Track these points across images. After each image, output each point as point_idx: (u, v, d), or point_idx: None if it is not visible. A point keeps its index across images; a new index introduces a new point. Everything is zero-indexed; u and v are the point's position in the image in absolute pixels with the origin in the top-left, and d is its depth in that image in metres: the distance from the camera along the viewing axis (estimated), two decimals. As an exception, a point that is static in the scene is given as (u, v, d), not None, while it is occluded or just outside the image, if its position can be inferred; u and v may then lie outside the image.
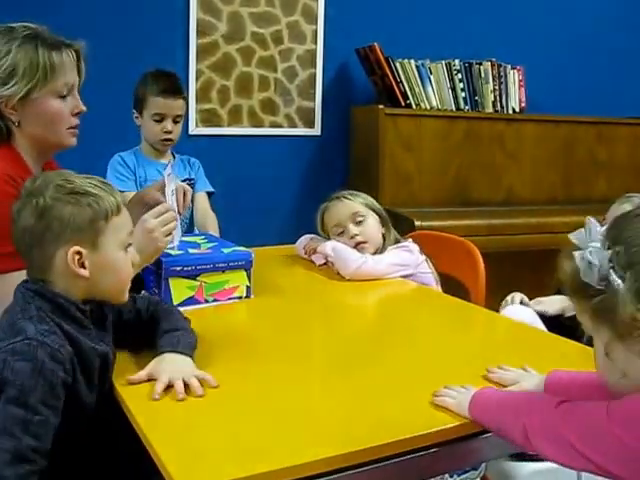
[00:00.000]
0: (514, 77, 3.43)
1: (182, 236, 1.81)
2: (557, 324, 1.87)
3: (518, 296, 2.03)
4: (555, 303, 1.98)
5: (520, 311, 1.90)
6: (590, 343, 1.40)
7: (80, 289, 1.16)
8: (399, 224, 2.37)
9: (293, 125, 3.35)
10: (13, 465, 0.98)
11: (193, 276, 1.63)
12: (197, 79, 3.13)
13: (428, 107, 3.25)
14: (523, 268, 3.09)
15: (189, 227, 2.35)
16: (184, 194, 1.78)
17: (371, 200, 2.15)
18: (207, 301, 1.65)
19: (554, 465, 0.96)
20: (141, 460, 1.02)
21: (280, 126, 3.32)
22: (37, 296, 1.14)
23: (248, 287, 1.71)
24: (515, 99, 3.44)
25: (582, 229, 0.92)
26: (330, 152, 3.41)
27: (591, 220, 0.92)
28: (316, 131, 3.39)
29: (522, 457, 1.68)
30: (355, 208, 2.09)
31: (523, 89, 3.47)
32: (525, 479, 1.69)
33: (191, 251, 1.70)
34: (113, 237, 1.17)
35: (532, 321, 1.87)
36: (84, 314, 1.16)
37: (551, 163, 3.47)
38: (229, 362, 1.30)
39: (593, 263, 0.88)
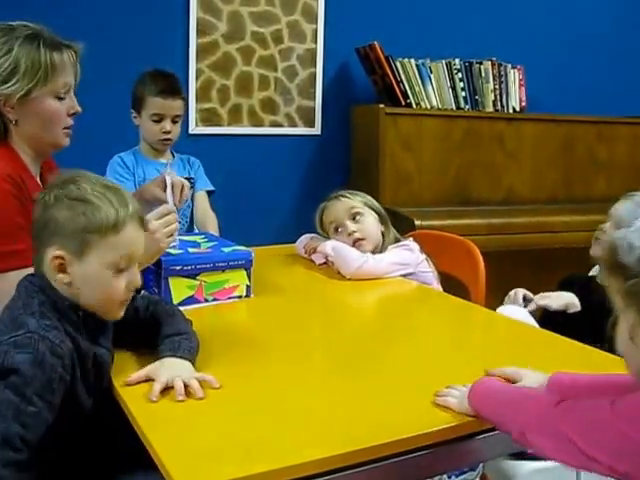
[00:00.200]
0: (514, 76, 3.43)
1: (182, 235, 1.81)
2: (552, 321, 1.87)
3: (521, 292, 2.03)
4: (560, 299, 1.98)
5: (515, 312, 1.89)
6: (590, 343, 1.41)
7: (66, 293, 1.16)
8: (399, 223, 2.37)
9: (293, 124, 3.34)
10: None
11: (193, 275, 1.63)
12: (197, 78, 3.12)
13: (428, 106, 3.24)
14: (523, 267, 3.09)
15: (189, 226, 2.35)
16: (181, 188, 1.77)
17: (370, 199, 2.15)
18: (207, 300, 1.65)
19: (553, 464, 0.95)
20: (140, 459, 1.02)
21: (280, 125, 3.32)
22: (40, 291, 1.15)
23: (248, 286, 1.71)
24: (515, 98, 3.44)
25: (625, 201, 0.89)
26: (330, 151, 3.40)
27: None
28: (316, 130, 3.39)
29: (521, 456, 1.68)
30: (353, 205, 2.09)
31: (523, 88, 3.46)
32: (524, 478, 1.68)
33: (191, 250, 1.70)
34: (103, 254, 1.14)
35: (526, 322, 1.86)
36: (77, 316, 1.17)
37: (551, 162, 3.47)
38: (229, 362, 1.30)
39: (634, 245, 0.87)
